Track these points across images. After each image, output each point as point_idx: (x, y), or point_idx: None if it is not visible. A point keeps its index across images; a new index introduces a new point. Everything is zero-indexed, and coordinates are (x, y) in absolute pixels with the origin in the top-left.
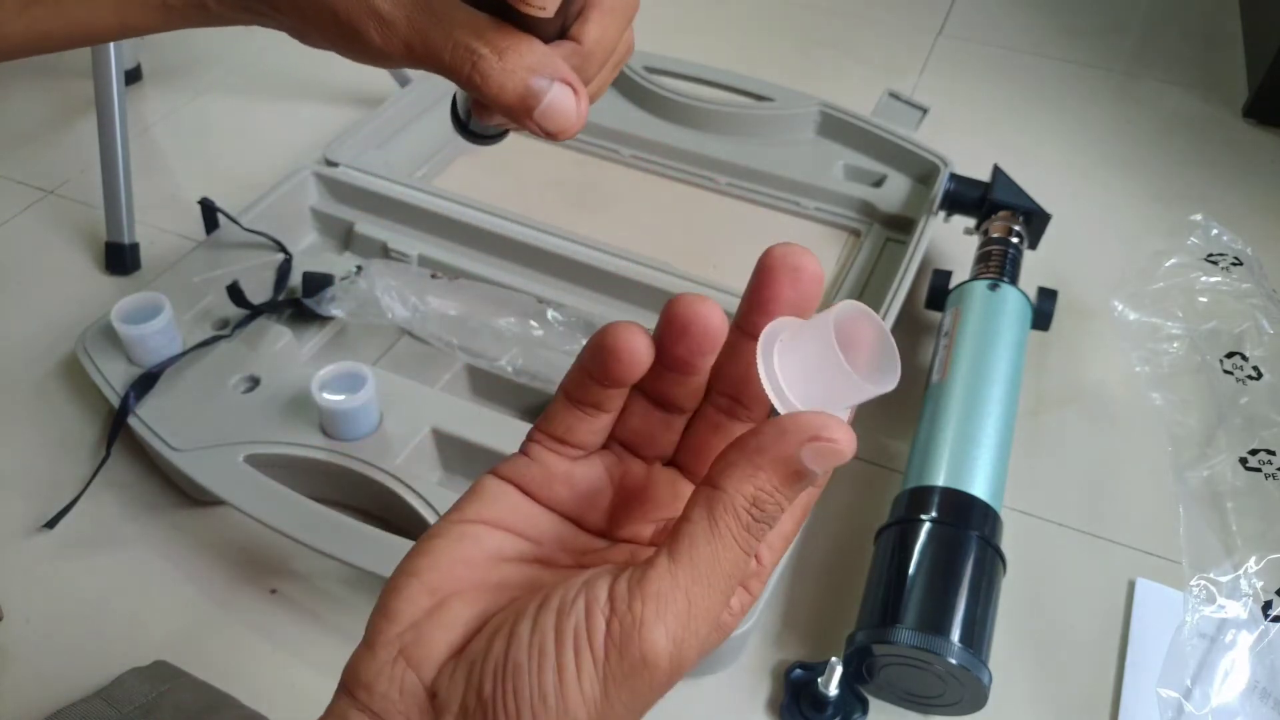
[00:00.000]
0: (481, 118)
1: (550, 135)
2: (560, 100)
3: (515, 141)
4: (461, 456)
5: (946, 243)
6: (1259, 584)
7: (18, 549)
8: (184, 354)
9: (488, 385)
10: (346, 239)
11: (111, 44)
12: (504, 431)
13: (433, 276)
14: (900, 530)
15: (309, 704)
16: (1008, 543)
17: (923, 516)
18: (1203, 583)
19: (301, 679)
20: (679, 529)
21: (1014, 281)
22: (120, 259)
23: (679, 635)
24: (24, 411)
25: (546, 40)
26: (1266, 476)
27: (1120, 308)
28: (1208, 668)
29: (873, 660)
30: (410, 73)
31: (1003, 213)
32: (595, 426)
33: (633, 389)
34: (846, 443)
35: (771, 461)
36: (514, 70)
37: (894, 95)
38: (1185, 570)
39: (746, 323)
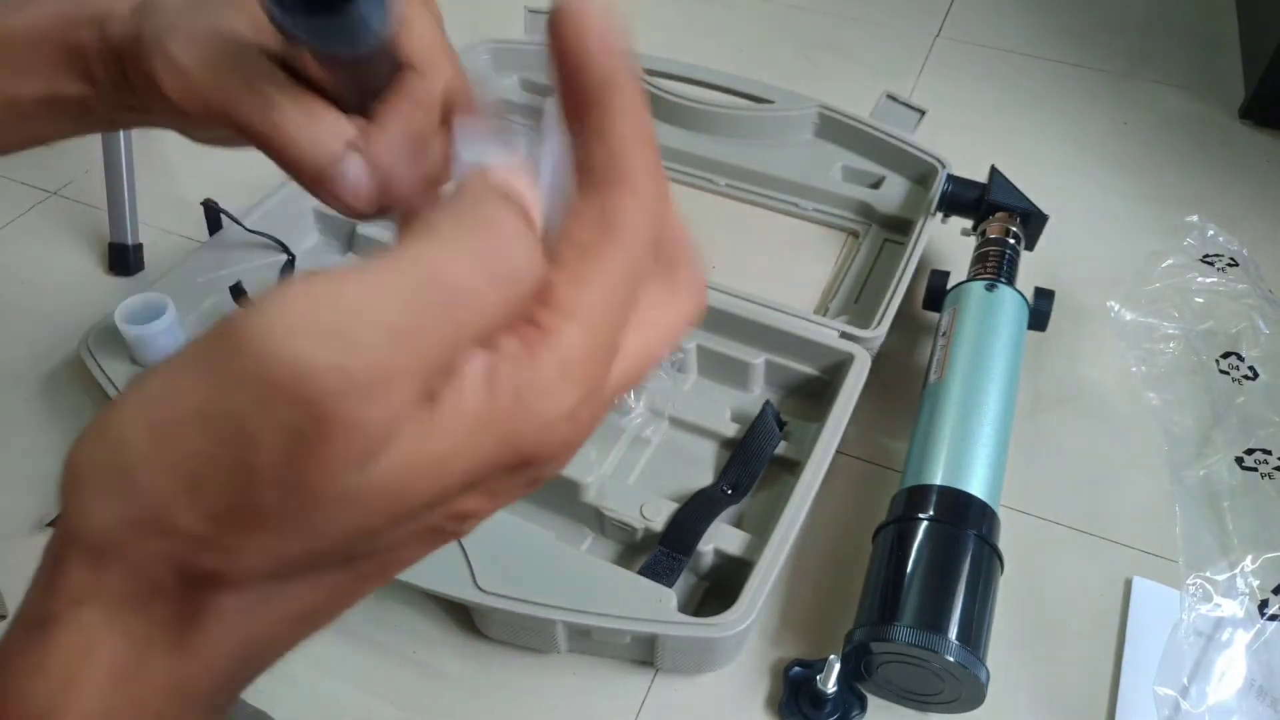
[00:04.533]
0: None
1: (341, 208)
2: (354, 173)
3: None
4: None
5: (944, 243)
6: (1255, 582)
7: (20, 548)
8: None
9: None
10: (349, 240)
11: None
12: None
13: None
14: (898, 529)
15: (311, 700)
16: (1005, 541)
17: (920, 515)
18: (1199, 581)
19: (303, 675)
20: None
21: (1011, 282)
22: (124, 260)
23: None
24: (27, 411)
25: (346, 112)
26: (1263, 476)
27: (1117, 308)
28: (1204, 666)
29: (871, 658)
30: None
31: (1000, 214)
32: None
33: None
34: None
35: None
36: (318, 138)
37: (892, 97)
38: (1182, 569)
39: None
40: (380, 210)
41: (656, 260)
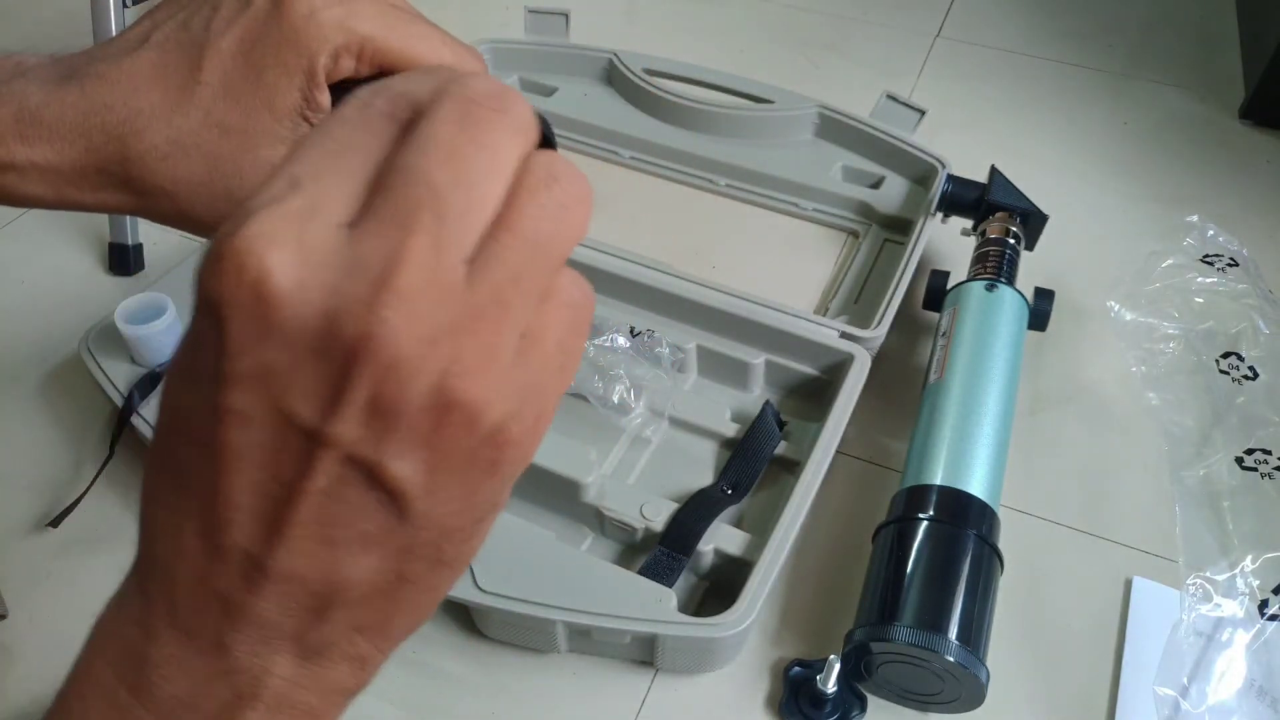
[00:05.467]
0: None
1: None
2: None
3: None
4: None
5: (944, 243)
6: (1255, 582)
7: (21, 547)
8: None
9: None
10: None
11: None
12: None
13: None
14: (898, 529)
15: None
16: (1005, 541)
17: (920, 515)
18: (1199, 581)
19: None
20: None
21: (1011, 282)
22: (124, 259)
23: None
24: (28, 411)
25: None
26: (1263, 476)
27: (1117, 308)
28: (1204, 666)
29: (871, 658)
30: None
31: (1000, 214)
32: None
33: None
34: None
35: None
36: None
37: (892, 97)
38: (1182, 569)
39: None
40: None
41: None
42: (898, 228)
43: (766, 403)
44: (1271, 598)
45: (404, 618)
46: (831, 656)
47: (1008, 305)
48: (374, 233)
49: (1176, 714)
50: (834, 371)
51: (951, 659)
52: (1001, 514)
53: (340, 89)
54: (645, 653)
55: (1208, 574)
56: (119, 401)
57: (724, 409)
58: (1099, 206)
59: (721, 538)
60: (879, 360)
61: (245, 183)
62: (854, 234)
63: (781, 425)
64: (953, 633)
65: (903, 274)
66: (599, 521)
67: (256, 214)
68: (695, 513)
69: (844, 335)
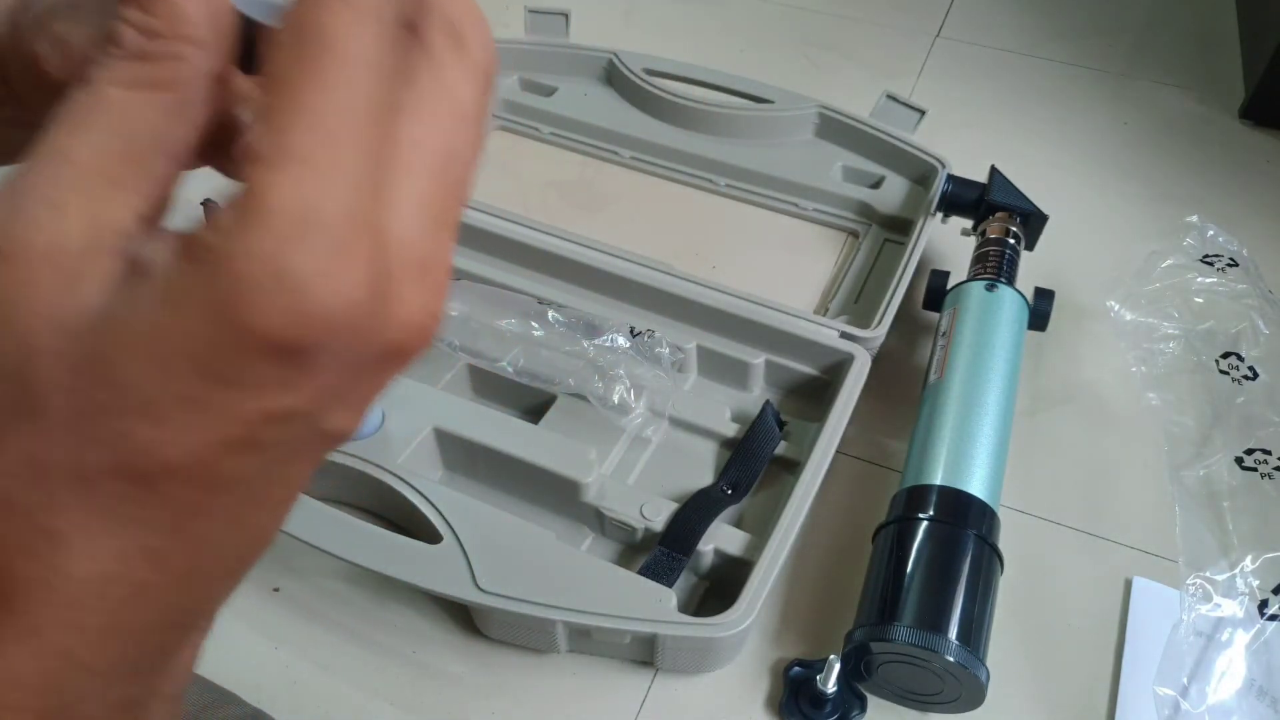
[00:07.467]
0: None
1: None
2: None
3: (515, 143)
4: (463, 455)
5: (944, 243)
6: (1255, 582)
7: None
8: None
9: (489, 385)
10: None
11: None
12: (505, 431)
13: None
14: (898, 529)
15: (312, 701)
16: (1005, 541)
17: (920, 515)
18: (1199, 581)
19: (304, 676)
20: None
21: (1011, 282)
22: None
23: None
24: None
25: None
26: (1263, 476)
27: (1116, 308)
28: (1204, 666)
29: (871, 658)
30: None
31: (1000, 214)
32: None
33: None
34: None
35: None
36: None
37: (892, 97)
38: (1182, 569)
39: None
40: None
41: (423, 32)
42: (898, 228)
43: (766, 403)
44: (1271, 598)
45: None
46: (831, 656)
47: (1008, 305)
48: None
49: (1176, 714)
50: (834, 371)
51: (951, 659)
52: (1001, 514)
53: None
54: (645, 653)
55: (1208, 574)
56: None
57: (724, 409)
58: (1099, 206)
59: (721, 538)
60: (879, 360)
61: None
62: (854, 234)
63: (781, 425)
64: (953, 633)
65: (903, 274)
66: (599, 521)
67: None
68: (695, 513)
69: (844, 335)
